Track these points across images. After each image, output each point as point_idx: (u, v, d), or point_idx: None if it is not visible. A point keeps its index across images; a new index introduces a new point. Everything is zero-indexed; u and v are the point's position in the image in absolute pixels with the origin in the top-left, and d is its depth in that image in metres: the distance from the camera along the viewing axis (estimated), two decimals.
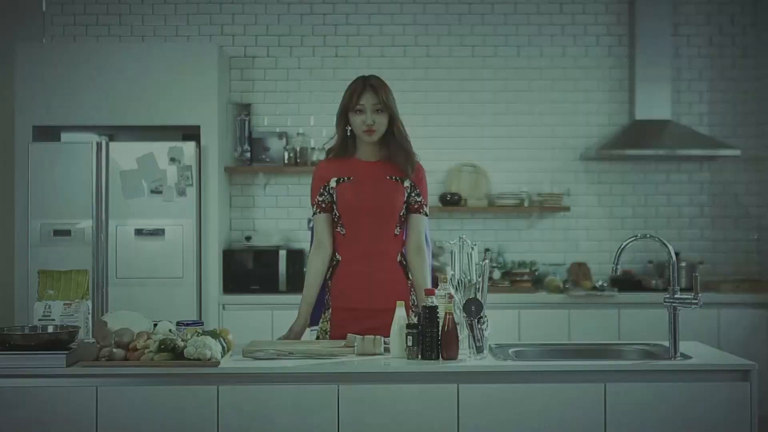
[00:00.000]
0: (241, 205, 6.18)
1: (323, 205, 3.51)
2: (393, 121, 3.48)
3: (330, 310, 3.51)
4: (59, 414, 2.88)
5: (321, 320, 3.52)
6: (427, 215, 3.55)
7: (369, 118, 3.43)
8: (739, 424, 2.92)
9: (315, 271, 3.50)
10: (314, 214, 3.53)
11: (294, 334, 3.46)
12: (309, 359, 3.03)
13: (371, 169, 3.50)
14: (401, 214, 3.50)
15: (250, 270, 5.73)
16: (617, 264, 3.24)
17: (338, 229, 3.51)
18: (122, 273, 5.45)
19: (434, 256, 6.04)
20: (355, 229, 3.47)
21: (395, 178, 3.50)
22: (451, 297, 3.03)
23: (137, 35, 6.19)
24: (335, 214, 3.51)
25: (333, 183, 3.49)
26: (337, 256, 3.51)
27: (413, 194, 3.51)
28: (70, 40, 6.15)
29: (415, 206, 3.52)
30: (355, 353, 3.11)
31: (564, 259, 6.15)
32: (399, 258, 3.51)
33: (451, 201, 6.01)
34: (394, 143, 3.49)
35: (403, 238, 3.53)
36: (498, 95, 6.22)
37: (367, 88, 3.45)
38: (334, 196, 3.49)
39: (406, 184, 3.51)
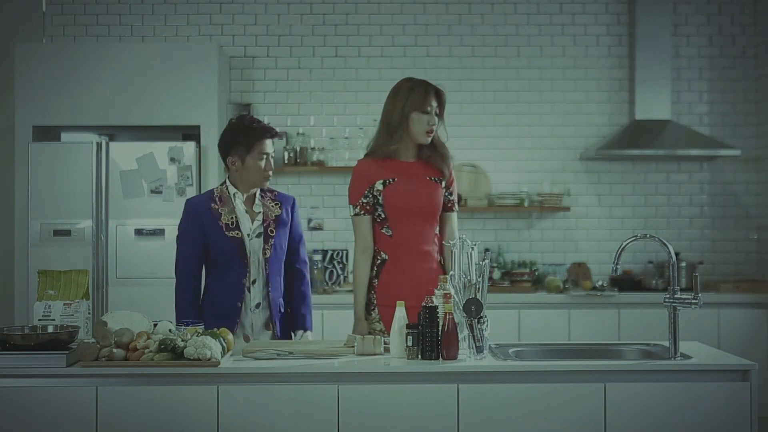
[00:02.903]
0: None
1: (367, 207, 3.56)
2: (440, 127, 3.62)
3: (376, 310, 3.55)
4: (59, 414, 2.88)
5: (368, 321, 3.56)
6: (457, 211, 3.71)
7: (432, 120, 3.54)
8: (739, 424, 2.92)
9: (365, 274, 3.57)
10: (356, 214, 3.56)
11: None
12: (309, 359, 3.03)
13: (412, 169, 3.59)
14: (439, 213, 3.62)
15: None
16: (617, 264, 3.24)
17: (383, 230, 3.56)
18: (122, 273, 5.45)
19: None
20: (401, 230, 3.54)
21: (434, 179, 3.60)
22: (447, 297, 3.02)
23: (137, 35, 6.20)
24: (379, 216, 3.56)
25: (379, 186, 3.55)
26: (383, 255, 3.56)
27: (446, 194, 3.63)
28: (70, 40, 6.15)
29: (449, 204, 3.65)
30: (355, 353, 3.11)
31: (564, 259, 6.15)
32: (438, 257, 3.60)
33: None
34: (435, 145, 3.60)
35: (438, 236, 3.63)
36: (498, 95, 6.22)
37: (433, 92, 3.56)
38: (380, 198, 3.54)
39: (443, 184, 3.61)
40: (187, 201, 3.62)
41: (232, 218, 3.53)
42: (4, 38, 6.05)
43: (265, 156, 3.53)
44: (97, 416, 2.88)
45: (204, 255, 3.58)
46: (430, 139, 3.56)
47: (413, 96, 3.53)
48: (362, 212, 3.56)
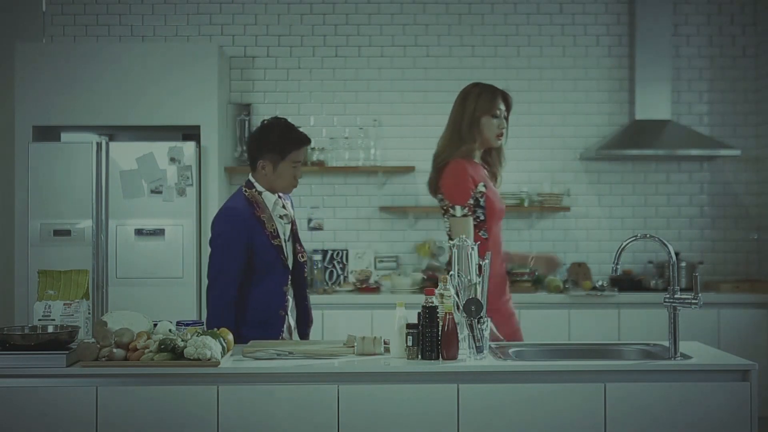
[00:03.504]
0: None
1: (472, 208, 3.59)
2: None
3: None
4: (59, 414, 2.88)
5: None
6: None
7: (502, 123, 3.63)
8: (739, 424, 2.92)
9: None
10: (465, 215, 3.57)
11: None
12: (309, 359, 3.03)
13: (485, 172, 3.70)
14: None
15: None
16: (617, 264, 3.24)
17: (481, 233, 3.58)
18: (122, 273, 5.45)
19: (434, 256, 6.06)
20: (495, 232, 3.63)
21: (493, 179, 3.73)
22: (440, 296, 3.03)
23: (137, 35, 6.20)
24: (478, 218, 3.59)
25: (482, 188, 3.60)
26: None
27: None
28: (70, 40, 6.15)
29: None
30: (355, 353, 3.11)
31: (564, 259, 6.15)
32: None
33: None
34: (499, 150, 3.71)
35: None
36: None
37: (501, 96, 3.64)
38: (481, 201, 3.58)
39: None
40: (231, 209, 3.45)
41: (272, 225, 3.46)
42: (4, 38, 6.05)
43: (297, 164, 3.48)
44: (97, 416, 2.88)
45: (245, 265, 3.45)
46: (500, 143, 3.64)
47: (482, 100, 3.61)
48: (470, 213, 3.58)
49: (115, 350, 2.93)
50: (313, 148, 6.03)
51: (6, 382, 2.89)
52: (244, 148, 5.99)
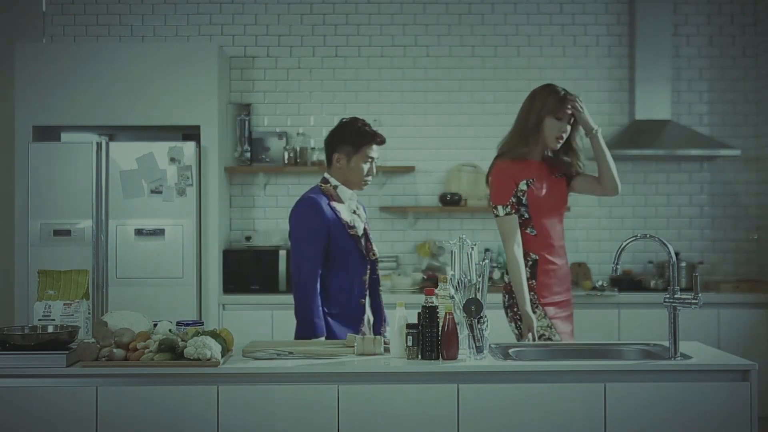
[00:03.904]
0: (241, 205, 6.18)
1: (515, 206, 3.68)
2: (575, 130, 3.77)
3: (541, 308, 3.66)
4: (59, 414, 2.88)
5: (535, 319, 3.65)
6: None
7: (564, 127, 3.69)
8: (739, 424, 2.92)
9: (524, 274, 3.67)
10: (507, 214, 3.67)
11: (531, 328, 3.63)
12: (309, 359, 3.03)
13: (543, 168, 3.76)
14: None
15: (250, 270, 5.73)
16: (617, 264, 3.24)
17: (528, 230, 3.69)
18: (122, 273, 5.45)
19: (434, 256, 6.05)
20: (545, 228, 3.69)
21: (558, 175, 3.78)
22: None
23: (137, 35, 6.20)
24: (522, 216, 3.68)
25: (523, 186, 3.69)
26: (533, 256, 3.69)
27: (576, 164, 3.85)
28: (70, 40, 6.15)
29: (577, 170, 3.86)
30: (355, 353, 3.11)
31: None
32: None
33: (451, 201, 6.01)
34: (574, 150, 3.78)
35: None
36: (498, 95, 6.22)
37: (567, 98, 3.69)
38: (523, 199, 3.68)
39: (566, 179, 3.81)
40: (309, 198, 3.56)
41: (349, 216, 3.59)
42: (4, 38, 6.05)
43: (370, 160, 3.60)
44: (97, 416, 2.88)
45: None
46: (559, 145, 3.71)
47: (549, 102, 3.68)
48: (513, 211, 3.67)
49: (115, 350, 2.94)
50: (313, 148, 6.03)
51: (6, 382, 2.89)
52: (244, 147, 5.99)
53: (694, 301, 3.09)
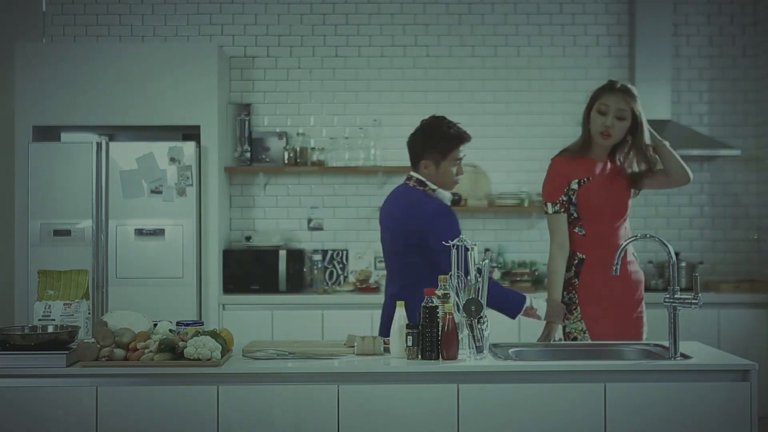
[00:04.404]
0: (241, 205, 6.18)
1: (565, 205, 3.63)
2: (637, 130, 3.57)
3: (578, 309, 3.61)
4: (59, 414, 2.88)
5: (571, 320, 3.63)
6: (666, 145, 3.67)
7: (608, 121, 3.53)
8: (739, 424, 2.92)
9: (562, 270, 3.63)
10: (556, 212, 3.62)
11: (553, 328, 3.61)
12: (309, 359, 3.03)
13: (604, 168, 3.65)
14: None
15: (250, 270, 5.73)
16: (617, 264, 3.24)
17: (576, 230, 3.63)
18: (122, 273, 5.45)
19: None
20: (595, 229, 3.60)
21: (624, 174, 3.65)
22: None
23: (137, 35, 6.20)
24: (572, 215, 3.63)
25: (574, 185, 3.62)
26: (580, 255, 3.63)
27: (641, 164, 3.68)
28: (70, 40, 6.15)
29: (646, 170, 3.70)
30: (355, 353, 3.11)
31: None
32: (632, 256, 3.69)
33: (451, 201, 5.99)
34: (641, 152, 3.60)
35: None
36: (498, 95, 6.22)
37: (615, 91, 3.55)
38: (573, 198, 3.61)
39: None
40: (443, 202, 3.53)
41: None
42: (4, 38, 6.05)
43: (458, 162, 3.55)
44: (97, 416, 2.88)
45: None
46: (607, 143, 3.58)
47: (596, 94, 3.60)
48: (561, 210, 3.62)
49: (115, 350, 2.94)
50: (313, 148, 6.03)
51: (6, 382, 2.89)
52: (244, 147, 5.99)
53: (694, 301, 3.09)
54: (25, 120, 5.61)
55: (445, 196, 3.58)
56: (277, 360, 3.03)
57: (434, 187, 3.56)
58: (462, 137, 3.54)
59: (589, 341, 3.58)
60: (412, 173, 3.62)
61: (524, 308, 3.51)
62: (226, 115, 6.02)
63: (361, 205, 6.18)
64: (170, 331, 3.07)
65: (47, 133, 5.76)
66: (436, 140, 3.52)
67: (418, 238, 3.44)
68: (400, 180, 6.18)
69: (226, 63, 6.06)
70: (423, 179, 3.58)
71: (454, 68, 6.22)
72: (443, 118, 3.59)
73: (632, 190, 3.74)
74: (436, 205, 3.51)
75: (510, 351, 3.25)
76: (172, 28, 6.20)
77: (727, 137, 6.20)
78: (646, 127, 3.60)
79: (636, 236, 3.30)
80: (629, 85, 3.64)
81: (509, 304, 3.51)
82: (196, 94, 5.64)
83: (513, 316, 3.54)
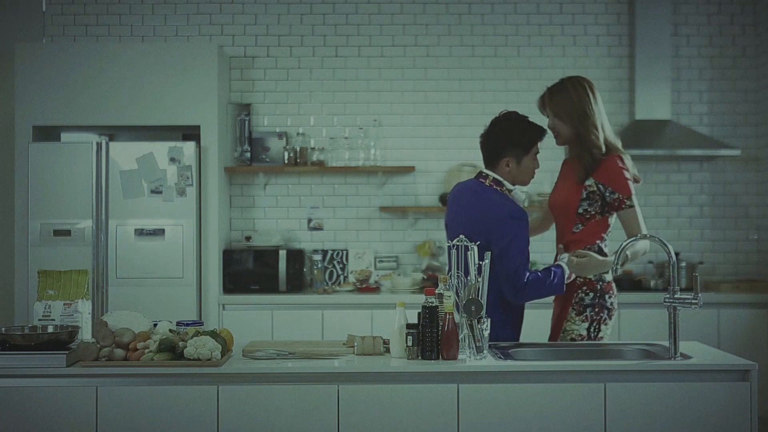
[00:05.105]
0: (241, 205, 6.18)
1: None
2: (577, 125, 3.61)
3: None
4: (59, 414, 2.88)
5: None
6: (632, 206, 3.60)
7: (550, 122, 3.68)
8: (739, 424, 2.92)
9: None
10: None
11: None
12: (309, 359, 3.03)
13: (566, 168, 3.78)
14: (580, 212, 3.60)
15: (250, 270, 5.73)
16: (617, 264, 3.24)
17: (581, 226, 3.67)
18: (122, 273, 5.45)
19: (434, 256, 6.05)
20: (557, 226, 3.74)
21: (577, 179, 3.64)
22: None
23: (137, 35, 6.20)
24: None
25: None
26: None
27: (606, 193, 3.60)
28: (70, 40, 6.15)
29: (615, 204, 3.60)
30: (355, 353, 3.11)
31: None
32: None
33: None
34: (580, 146, 3.64)
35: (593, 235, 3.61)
36: (498, 95, 6.22)
37: (543, 96, 3.67)
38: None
39: (588, 183, 3.61)
40: (519, 207, 3.46)
41: None
42: (4, 38, 6.05)
43: (536, 156, 3.55)
44: (97, 416, 2.88)
45: None
46: (557, 142, 3.71)
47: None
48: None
49: (115, 350, 2.94)
50: (313, 148, 6.03)
51: (6, 382, 2.89)
52: (244, 147, 5.99)
53: (694, 301, 3.09)
54: (25, 120, 5.61)
55: (519, 197, 3.52)
56: (277, 360, 3.03)
57: (511, 187, 3.51)
58: (542, 130, 3.52)
59: (589, 341, 3.58)
60: (488, 171, 3.56)
61: (565, 280, 3.47)
62: (226, 115, 6.02)
63: (361, 205, 6.18)
64: (170, 331, 3.07)
65: (47, 133, 5.76)
66: (518, 136, 3.48)
67: (485, 239, 3.34)
68: (399, 179, 6.19)
69: (226, 63, 6.06)
70: (500, 179, 3.51)
71: (454, 68, 6.22)
72: (516, 113, 3.55)
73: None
74: (512, 208, 3.42)
75: (510, 351, 3.25)
76: (172, 28, 6.20)
77: (727, 137, 6.20)
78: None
79: (636, 236, 3.30)
80: (563, 85, 3.66)
81: (555, 289, 3.45)
82: (196, 94, 5.64)
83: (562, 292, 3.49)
